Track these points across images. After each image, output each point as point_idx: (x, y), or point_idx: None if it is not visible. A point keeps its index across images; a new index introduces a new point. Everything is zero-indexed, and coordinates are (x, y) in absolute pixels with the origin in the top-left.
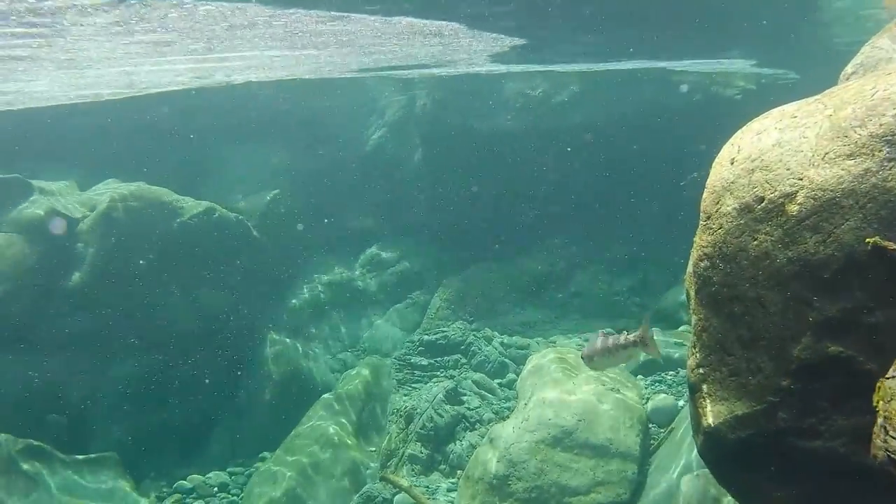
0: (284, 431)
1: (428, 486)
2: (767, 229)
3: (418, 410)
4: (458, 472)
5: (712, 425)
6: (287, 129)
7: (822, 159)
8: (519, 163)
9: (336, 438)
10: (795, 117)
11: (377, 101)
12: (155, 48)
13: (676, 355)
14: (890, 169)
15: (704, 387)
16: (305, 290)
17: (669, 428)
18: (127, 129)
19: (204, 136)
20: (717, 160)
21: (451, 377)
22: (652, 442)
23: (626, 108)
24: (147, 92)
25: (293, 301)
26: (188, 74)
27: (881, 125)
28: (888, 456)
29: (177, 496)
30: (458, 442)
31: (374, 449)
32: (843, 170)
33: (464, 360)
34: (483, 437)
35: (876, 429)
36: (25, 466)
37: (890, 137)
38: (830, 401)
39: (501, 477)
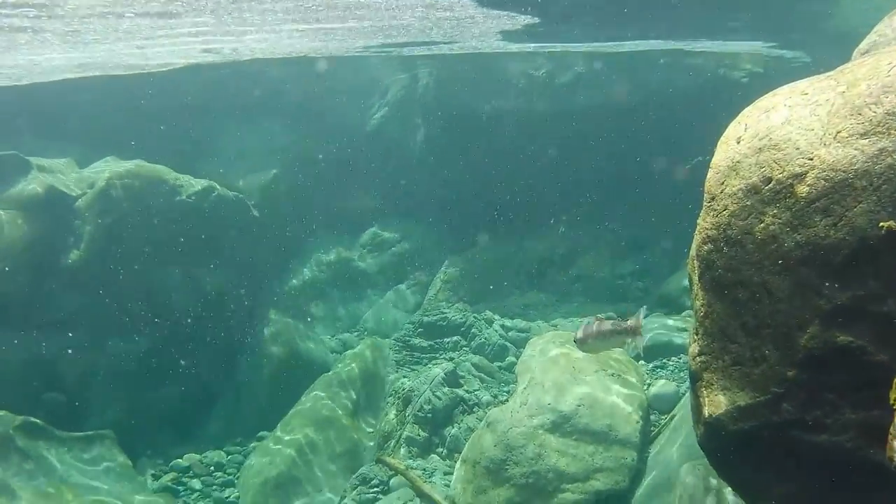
0: (283, 411)
1: (425, 469)
2: (775, 211)
3: (416, 392)
4: (456, 455)
5: (713, 415)
6: (288, 107)
7: (834, 138)
8: (522, 143)
9: (334, 419)
10: (806, 94)
11: (379, 81)
12: (160, 20)
13: (679, 341)
14: None
15: (706, 375)
16: (305, 270)
17: (670, 415)
18: (126, 107)
19: (204, 114)
20: (722, 139)
21: (451, 359)
22: (652, 429)
23: (631, 90)
24: (148, 70)
25: (293, 280)
26: (195, 47)
27: None
28: None
29: (173, 474)
30: (455, 425)
31: (371, 430)
32: (856, 149)
33: (464, 343)
34: (481, 421)
35: (893, 429)
36: (22, 443)
37: None
38: (838, 393)
39: (498, 461)
